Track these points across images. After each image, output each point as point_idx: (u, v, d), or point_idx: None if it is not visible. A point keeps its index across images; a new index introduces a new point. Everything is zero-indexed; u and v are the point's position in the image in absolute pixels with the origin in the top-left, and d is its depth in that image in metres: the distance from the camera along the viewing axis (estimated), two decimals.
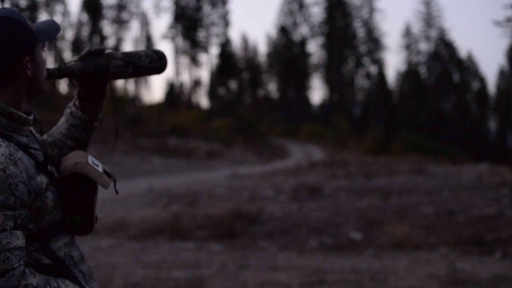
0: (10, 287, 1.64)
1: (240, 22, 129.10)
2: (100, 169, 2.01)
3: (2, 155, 1.71)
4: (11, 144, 1.77)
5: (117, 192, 2.11)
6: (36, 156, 1.86)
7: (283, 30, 69.33)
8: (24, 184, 1.73)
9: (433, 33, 68.97)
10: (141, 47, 60.72)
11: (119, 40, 57.99)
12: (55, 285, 1.78)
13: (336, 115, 55.70)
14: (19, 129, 1.87)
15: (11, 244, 1.66)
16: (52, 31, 1.92)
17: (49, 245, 1.86)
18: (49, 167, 1.91)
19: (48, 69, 2.00)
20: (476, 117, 75.05)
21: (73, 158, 1.99)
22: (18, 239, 1.69)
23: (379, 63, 68.97)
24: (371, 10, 67.49)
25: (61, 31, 1.99)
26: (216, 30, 62.28)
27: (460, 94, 71.38)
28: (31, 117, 1.93)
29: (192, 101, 64.62)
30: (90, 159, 2.01)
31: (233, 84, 71.76)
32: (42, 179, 1.82)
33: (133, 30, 75.29)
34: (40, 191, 1.79)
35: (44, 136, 2.17)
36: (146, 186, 16.57)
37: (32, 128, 2.03)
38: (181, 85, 65.60)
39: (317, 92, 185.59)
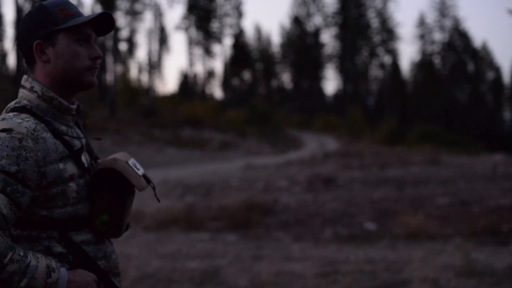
0: None
1: (254, 12, 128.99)
2: (140, 172, 1.93)
3: (26, 127, 1.69)
4: (42, 124, 1.75)
5: (158, 200, 2.10)
6: (72, 144, 1.82)
7: (297, 21, 69.01)
8: (36, 162, 1.69)
9: (448, 23, 68.38)
10: (155, 38, 60.88)
11: (133, 32, 58.09)
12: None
13: (350, 105, 55.42)
14: (59, 116, 1.83)
15: None
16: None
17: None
18: (84, 159, 1.87)
19: None
20: (491, 107, 74.45)
21: (113, 155, 1.92)
22: None
23: (393, 53, 68.54)
24: (385, 0, 67.06)
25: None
26: (229, 20, 62.13)
27: (474, 84, 70.82)
28: (74, 106, 1.88)
29: (206, 92, 64.60)
30: (132, 161, 1.93)
31: (246, 75, 71.61)
32: (67, 168, 1.77)
33: (147, 21, 75.28)
34: (60, 178, 1.74)
35: None
36: (161, 177, 16.60)
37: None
38: (195, 76, 65.64)
39: (331, 83, 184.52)
